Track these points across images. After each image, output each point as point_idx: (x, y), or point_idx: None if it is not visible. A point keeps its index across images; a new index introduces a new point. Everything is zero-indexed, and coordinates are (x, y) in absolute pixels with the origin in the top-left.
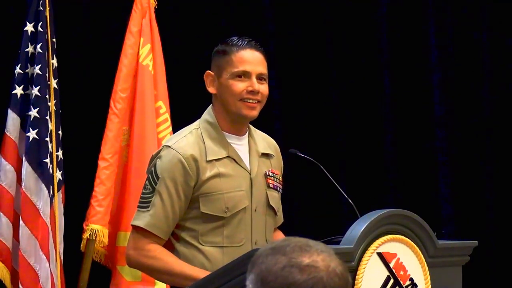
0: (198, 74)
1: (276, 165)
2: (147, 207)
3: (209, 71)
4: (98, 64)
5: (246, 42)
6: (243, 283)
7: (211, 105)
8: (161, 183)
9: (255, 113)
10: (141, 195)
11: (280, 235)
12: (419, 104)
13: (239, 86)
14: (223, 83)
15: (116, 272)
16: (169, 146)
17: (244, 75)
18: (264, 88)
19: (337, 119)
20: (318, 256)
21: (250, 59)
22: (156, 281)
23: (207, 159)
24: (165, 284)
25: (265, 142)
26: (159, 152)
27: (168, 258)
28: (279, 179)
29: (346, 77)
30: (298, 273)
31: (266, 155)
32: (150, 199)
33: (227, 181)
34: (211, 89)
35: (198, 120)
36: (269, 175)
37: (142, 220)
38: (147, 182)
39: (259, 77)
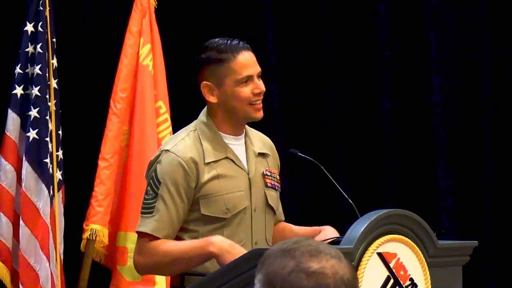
0: (193, 75)
1: (273, 164)
2: (151, 212)
3: (205, 81)
4: (98, 64)
5: (237, 45)
6: (243, 282)
7: (206, 107)
8: (163, 187)
9: (262, 113)
10: (144, 201)
11: (288, 228)
12: (419, 104)
13: (246, 91)
14: (227, 91)
15: (116, 272)
16: (167, 150)
17: (248, 79)
18: (263, 84)
19: (337, 119)
20: (327, 263)
21: (249, 62)
22: (156, 281)
23: (206, 161)
24: (165, 285)
25: (260, 141)
26: (158, 157)
27: (172, 243)
28: (276, 178)
29: (346, 77)
30: (305, 279)
31: (262, 155)
32: (153, 205)
33: (226, 182)
34: (212, 99)
35: (195, 122)
36: (266, 175)
37: (147, 226)
38: (148, 187)
39: (258, 76)
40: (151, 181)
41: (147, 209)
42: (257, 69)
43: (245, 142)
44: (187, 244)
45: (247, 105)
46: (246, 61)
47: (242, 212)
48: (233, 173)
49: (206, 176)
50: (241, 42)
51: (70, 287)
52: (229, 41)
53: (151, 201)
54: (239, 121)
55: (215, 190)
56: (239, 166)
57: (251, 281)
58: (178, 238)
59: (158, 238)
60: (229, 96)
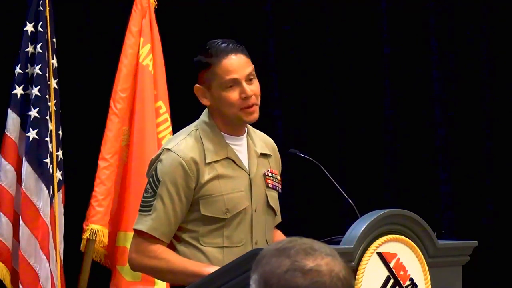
0: (194, 76)
1: (274, 165)
2: (149, 211)
3: (197, 85)
4: (98, 64)
5: (225, 47)
6: (243, 283)
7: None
8: (162, 186)
9: (256, 115)
10: (142, 199)
11: (279, 235)
12: (420, 104)
13: (232, 96)
14: (215, 96)
15: (116, 272)
16: (169, 149)
17: (233, 83)
18: (255, 87)
19: (337, 119)
20: (322, 260)
21: (235, 65)
22: (156, 281)
23: (206, 161)
24: (165, 284)
25: (262, 142)
26: (159, 155)
27: (170, 257)
28: (277, 179)
29: (347, 77)
30: (301, 277)
31: (264, 155)
32: (151, 203)
33: (226, 183)
34: (205, 101)
35: (197, 121)
36: (268, 175)
37: (144, 224)
38: (148, 186)
39: (248, 78)
40: (151, 179)
41: (145, 207)
42: (245, 72)
43: (247, 142)
44: (188, 261)
45: (237, 110)
46: (232, 65)
47: (242, 213)
48: (233, 173)
49: (206, 176)
50: (232, 44)
51: (70, 287)
52: (219, 44)
53: (150, 199)
54: (234, 123)
55: (215, 190)
56: (239, 167)
57: None
58: (177, 238)
59: (154, 237)
60: (217, 100)
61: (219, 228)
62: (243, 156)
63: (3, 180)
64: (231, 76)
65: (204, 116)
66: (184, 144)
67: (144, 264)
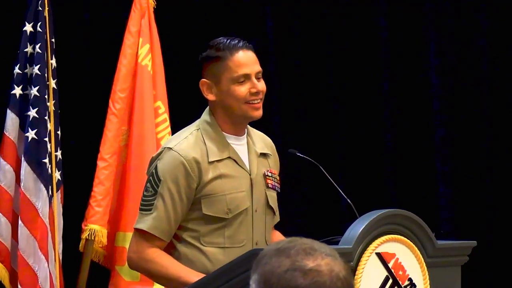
0: (197, 74)
1: (273, 165)
2: (150, 209)
3: (203, 79)
4: (97, 64)
5: (236, 43)
6: (243, 282)
7: (208, 106)
8: (163, 185)
9: (261, 112)
10: (143, 198)
11: (277, 235)
12: (419, 104)
13: (242, 90)
14: (223, 90)
15: (114, 272)
16: (170, 148)
17: (245, 78)
18: (262, 85)
19: (337, 119)
20: (322, 260)
21: (247, 61)
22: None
23: (209, 160)
24: None
25: (262, 141)
26: (160, 154)
27: (165, 262)
28: (276, 179)
29: (346, 77)
30: (301, 277)
31: (264, 155)
32: (152, 202)
33: (228, 182)
34: (210, 97)
35: (198, 121)
36: (267, 175)
37: (144, 223)
38: (148, 184)
39: (257, 76)
40: (151, 178)
41: (146, 206)
42: (256, 68)
43: (247, 142)
44: (183, 269)
45: (243, 104)
46: (243, 59)
47: (244, 213)
48: (235, 173)
49: (209, 175)
50: (242, 41)
51: (69, 287)
52: (229, 40)
53: (150, 198)
54: (237, 119)
55: (217, 190)
56: (241, 167)
57: None
58: (177, 237)
59: (154, 236)
60: (225, 94)
61: (220, 228)
62: (244, 156)
63: (2, 180)
64: (243, 70)
65: (205, 115)
66: (185, 143)
67: (141, 266)
